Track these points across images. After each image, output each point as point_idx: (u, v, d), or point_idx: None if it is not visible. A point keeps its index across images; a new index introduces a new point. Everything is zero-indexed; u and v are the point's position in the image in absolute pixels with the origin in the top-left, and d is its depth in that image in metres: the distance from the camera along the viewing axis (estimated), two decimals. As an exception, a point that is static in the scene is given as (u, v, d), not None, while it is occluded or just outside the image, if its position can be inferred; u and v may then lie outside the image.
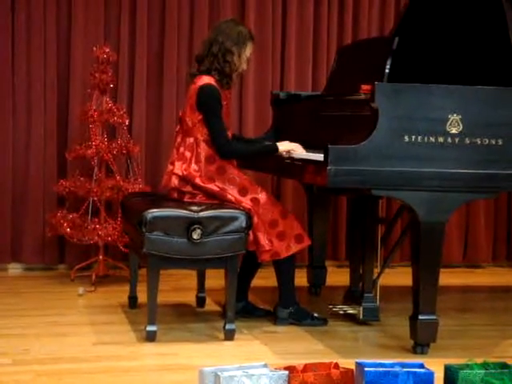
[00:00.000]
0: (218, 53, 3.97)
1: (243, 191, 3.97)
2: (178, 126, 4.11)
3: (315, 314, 4.14)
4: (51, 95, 5.34)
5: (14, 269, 5.39)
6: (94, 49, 5.06)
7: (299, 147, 3.96)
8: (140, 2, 5.41)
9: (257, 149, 4.19)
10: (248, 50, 4.06)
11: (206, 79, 3.96)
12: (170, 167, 4.04)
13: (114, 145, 5.00)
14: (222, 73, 3.98)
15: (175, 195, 4.00)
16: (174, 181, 3.97)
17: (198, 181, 3.92)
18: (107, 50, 5.04)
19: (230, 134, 4.07)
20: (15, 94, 5.31)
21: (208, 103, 3.92)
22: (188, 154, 3.96)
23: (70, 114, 5.35)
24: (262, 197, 3.98)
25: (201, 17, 5.46)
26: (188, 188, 3.95)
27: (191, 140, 3.97)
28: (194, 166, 3.93)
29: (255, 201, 3.95)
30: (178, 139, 4.06)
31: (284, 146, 3.99)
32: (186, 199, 3.94)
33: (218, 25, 4.14)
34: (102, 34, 5.40)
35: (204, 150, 3.95)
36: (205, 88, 3.93)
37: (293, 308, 4.10)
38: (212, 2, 5.56)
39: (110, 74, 5.05)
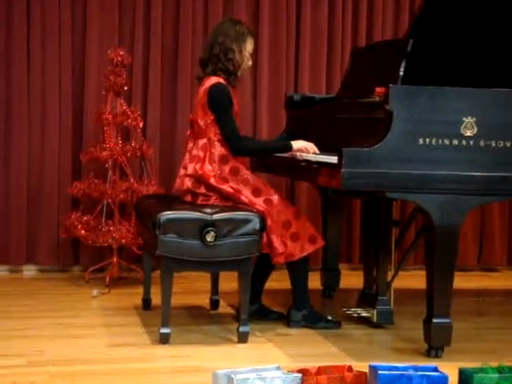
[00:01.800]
0: (219, 53, 3.98)
1: (257, 192, 3.97)
2: (189, 131, 4.12)
3: (329, 317, 4.13)
4: (66, 98, 5.36)
5: (29, 270, 5.41)
6: (109, 51, 5.08)
7: (313, 147, 3.96)
8: (154, 5, 5.42)
9: (270, 146, 4.19)
10: (249, 46, 4.07)
11: (214, 79, 3.97)
12: (183, 171, 4.04)
13: (128, 147, 5.02)
14: (226, 71, 3.99)
15: (189, 197, 4.00)
16: (188, 183, 3.97)
17: (212, 181, 3.92)
18: (122, 53, 5.06)
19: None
20: (30, 97, 5.34)
21: (219, 101, 3.93)
22: (201, 153, 3.97)
23: (84, 117, 5.37)
24: (275, 198, 3.98)
25: (215, 20, 5.45)
26: (202, 189, 3.95)
27: (204, 141, 3.97)
28: (207, 166, 3.94)
29: (268, 202, 3.95)
30: (190, 143, 4.07)
31: (298, 145, 3.99)
32: (199, 201, 3.95)
33: (216, 26, 4.17)
34: (117, 37, 5.41)
35: (218, 149, 3.96)
36: (215, 87, 3.94)
37: (306, 311, 4.09)
38: (226, 5, 5.56)
39: (124, 76, 5.07)
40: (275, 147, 4.15)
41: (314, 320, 4.09)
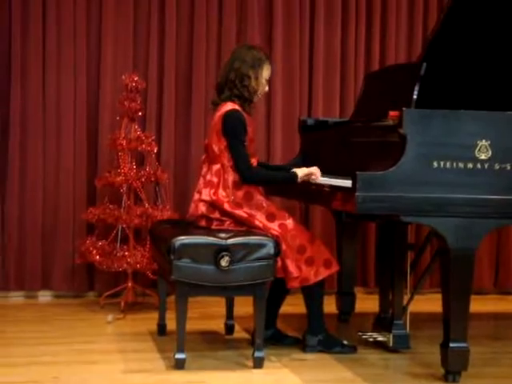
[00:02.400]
0: (235, 79, 3.99)
1: (271, 217, 3.97)
2: (204, 156, 4.13)
3: (344, 342, 4.11)
4: (81, 123, 5.40)
5: (44, 296, 5.42)
6: (123, 77, 5.11)
7: (317, 170, 3.96)
8: (168, 31, 5.46)
9: (277, 177, 4.14)
10: (266, 72, 4.07)
11: (229, 105, 3.98)
12: (197, 195, 4.04)
13: (142, 172, 5.03)
14: (241, 98, 4.00)
15: (203, 222, 4.00)
16: (202, 208, 3.98)
17: (226, 206, 3.92)
18: (136, 78, 5.09)
19: (256, 160, 4.08)
20: (46, 122, 5.37)
21: (233, 128, 3.94)
22: (215, 179, 3.97)
23: (99, 142, 5.40)
24: (290, 223, 3.97)
25: (228, 45, 5.48)
26: (216, 214, 3.95)
27: (218, 166, 3.98)
28: (221, 192, 3.94)
29: (283, 227, 3.95)
30: (205, 168, 4.07)
31: (302, 173, 3.99)
32: (213, 226, 3.95)
33: (232, 52, 4.17)
34: (131, 63, 5.45)
35: (231, 175, 3.96)
36: (230, 113, 3.95)
37: (322, 335, 4.07)
38: (239, 31, 5.59)
39: (138, 101, 5.09)
40: (281, 180, 4.12)
41: (329, 345, 4.07)
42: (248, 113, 4.04)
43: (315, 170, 3.98)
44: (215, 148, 3.99)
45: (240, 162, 3.94)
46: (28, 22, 5.32)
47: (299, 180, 3.99)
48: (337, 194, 3.68)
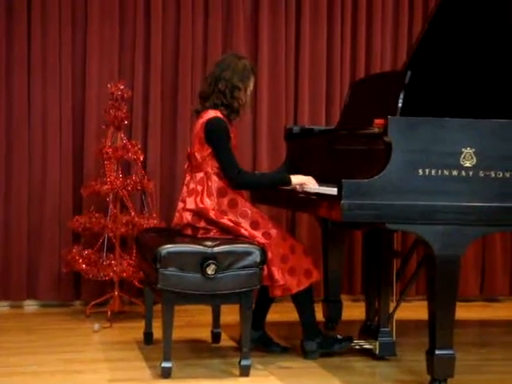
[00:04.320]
0: (225, 89, 3.99)
1: (255, 225, 3.97)
2: (187, 164, 4.13)
3: (339, 336, 4.12)
4: (66, 132, 5.38)
5: (30, 305, 5.40)
6: (109, 86, 5.11)
7: (313, 181, 3.96)
8: (154, 39, 5.46)
9: (269, 179, 4.18)
10: (251, 84, 4.09)
11: (212, 113, 3.99)
12: (181, 204, 4.04)
13: (128, 181, 5.02)
14: (229, 108, 4.00)
15: (189, 231, 4.00)
16: (187, 217, 3.97)
17: (211, 214, 3.92)
18: (122, 87, 5.09)
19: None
20: (31, 131, 5.36)
21: (217, 135, 3.94)
22: (199, 187, 3.97)
23: (85, 151, 5.39)
24: (273, 232, 3.98)
25: (214, 54, 5.49)
26: (201, 223, 3.95)
27: (201, 174, 3.98)
28: (206, 200, 3.94)
29: (267, 235, 3.95)
30: (188, 177, 4.07)
31: (297, 179, 3.99)
32: (199, 235, 3.95)
33: (221, 60, 4.14)
34: (117, 71, 5.45)
35: (215, 182, 3.96)
36: (212, 121, 3.95)
37: (319, 338, 4.08)
38: (225, 40, 5.60)
39: (124, 110, 5.09)
40: (274, 181, 4.14)
41: (328, 345, 4.08)
42: (231, 122, 4.05)
43: (310, 181, 3.95)
44: (198, 156, 3.98)
45: (228, 168, 3.94)
46: (12, 30, 5.31)
47: (292, 185, 3.99)
48: (322, 201, 3.69)
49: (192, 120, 5.44)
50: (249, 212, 3.99)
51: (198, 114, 4.08)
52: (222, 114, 4.00)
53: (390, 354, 4.08)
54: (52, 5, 5.32)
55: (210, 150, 3.95)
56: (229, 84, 4.00)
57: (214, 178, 3.96)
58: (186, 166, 4.15)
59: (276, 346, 4.24)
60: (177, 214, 4.07)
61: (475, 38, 4.04)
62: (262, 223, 3.99)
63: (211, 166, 3.97)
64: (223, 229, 3.93)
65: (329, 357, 4.07)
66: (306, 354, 4.08)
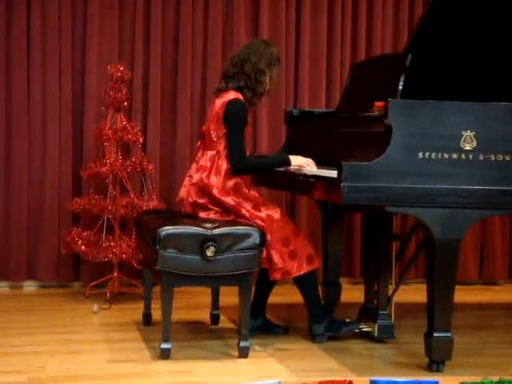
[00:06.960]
0: (251, 72, 3.98)
1: (257, 208, 3.97)
2: (199, 141, 4.12)
3: (347, 320, 4.12)
4: (66, 113, 5.38)
5: (29, 286, 5.41)
6: (109, 67, 5.09)
7: (312, 163, 3.96)
8: (154, 21, 5.44)
9: (269, 160, 4.18)
10: (275, 73, 4.08)
11: (233, 94, 3.97)
12: (188, 180, 4.05)
13: (128, 162, 5.02)
14: (252, 91, 4.00)
15: (189, 209, 4.00)
16: (191, 192, 3.97)
17: (215, 192, 3.91)
18: (121, 69, 5.07)
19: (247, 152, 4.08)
20: (30, 113, 5.35)
21: (236, 117, 3.93)
22: (209, 164, 3.97)
23: (84, 132, 5.38)
24: (276, 214, 3.98)
25: (215, 35, 5.48)
26: (204, 200, 3.94)
27: (213, 153, 3.98)
28: (213, 178, 3.94)
29: (269, 217, 3.95)
30: (199, 154, 4.07)
31: (297, 161, 3.99)
32: (200, 214, 3.95)
33: (249, 44, 4.14)
34: (117, 53, 5.43)
35: (225, 163, 3.95)
36: (234, 102, 3.94)
37: (326, 321, 4.07)
38: (225, 21, 5.58)
39: (124, 92, 5.08)
40: (273, 162, 4.14)
41: (336, 327, 4.07)
42: (251, 105, 4.04)
43: (309, 163, 3.96)
44: (213, 134, 3.97)
45: (234, 151, 3.92)
46: (12, 12, 5.28)
47: (292, 167, 3.98)
48: (322, 184, 3.69)
49: (192, 101, 5.47)
50: (252, 197, 3.99)
51: (218, 92, 4.06)
52: (244, 96, 3.99)
53: (389, 336, 4.08)
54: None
55: (225, 130, 3.94)
56: (255, 67, 3.99)
57: (225, 158, 3.96)
58: (198, 144, 4.13)
59: (278, 327, 4.24)
60: (183, 189, 4.07)
61: (477, 21, 4.02)
62: (266, 206, 3.99)
63: (224, 146, 3.96)
64: (224, 208, 3.93)
65: (335, 340, 4.06)
66: (313, 337, 4.07)
